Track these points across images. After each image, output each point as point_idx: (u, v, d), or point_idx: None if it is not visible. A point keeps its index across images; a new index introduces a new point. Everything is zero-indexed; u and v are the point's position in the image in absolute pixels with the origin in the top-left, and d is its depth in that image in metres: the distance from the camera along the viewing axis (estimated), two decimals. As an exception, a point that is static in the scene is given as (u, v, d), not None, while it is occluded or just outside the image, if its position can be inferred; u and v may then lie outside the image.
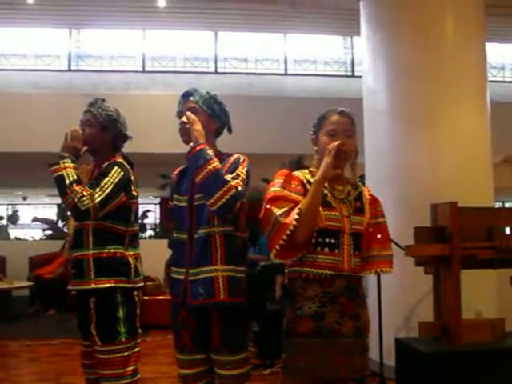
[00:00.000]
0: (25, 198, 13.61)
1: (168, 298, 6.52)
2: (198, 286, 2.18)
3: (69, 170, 2.41)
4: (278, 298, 5.06)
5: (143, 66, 10.35)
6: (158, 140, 8.06)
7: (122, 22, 9.95)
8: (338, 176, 2.22)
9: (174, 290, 2.30)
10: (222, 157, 2.31)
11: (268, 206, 2.06)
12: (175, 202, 2.35)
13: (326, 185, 2.16)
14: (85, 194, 2.34)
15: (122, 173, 2.51)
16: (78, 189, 2.35)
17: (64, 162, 2.43)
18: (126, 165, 2.59)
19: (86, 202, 2.33)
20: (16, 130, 8.70)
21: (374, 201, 2.28)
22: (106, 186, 2.41)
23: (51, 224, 11.14)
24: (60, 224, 11.01)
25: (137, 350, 2.53)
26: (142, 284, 2.60)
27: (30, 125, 8.75)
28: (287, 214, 2.01)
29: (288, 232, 1.99)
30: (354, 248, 2.15)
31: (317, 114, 2.29)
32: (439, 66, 4.21)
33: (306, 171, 2.25)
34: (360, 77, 9.91)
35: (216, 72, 10.32)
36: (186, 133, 2.28)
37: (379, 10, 4.57)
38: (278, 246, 2.02)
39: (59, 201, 9.44)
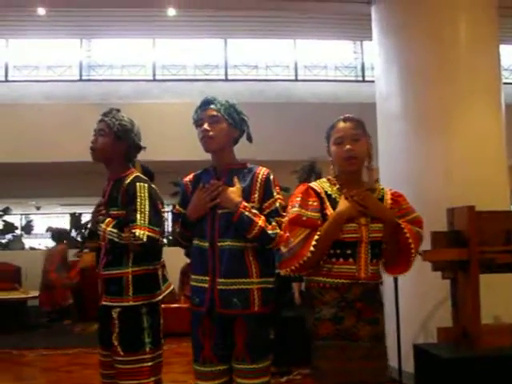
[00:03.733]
0: (38, 208, 13.69)
1: (183, 306, 6.55)
2: (230, 295, 2.20)
3: (107, 230, 2.45)
4: (297, 303, 5.05)
5: (154, 75, 10.39)
6: (170, 148, 8.08)
7: (132, 31, 10.00)
8: (356, 181, 2.22)
9: (196, 298, 2.30)
10: (241, 168, 2.35)
11: (287, 232, 2.12)
12: None
13: (344, 193, 2.17)
14: (133, 231, 2.38)
15: (146, 184, 2.53)
16: (127, 234, 2.40)
17: (100, 230, 2.47)
18: (142, 176, 2.60)
19: (140, 235, 2.37)
20: (29, 140, 8.76)
21: (397, 201, 2.27)
22: (142, 207, 2.44)
23: (65, 233, 11.21)
24: (73, 233, 11.07)
25: (160, 360, 2.54)
26: (168, 290, 2.62)
27: (42, 135, 8.81)
28: (304, 242, 2.08)
29: (301, 262, 2.08)
30: (372, 256, 2.15)
31: (328, 119, 2.31)
32: (452, 69, 4.19)
33: (325, 180, 2.28)
34: (371, 81, 9.97)
35: (226, 79, 10.34)
36: (208, 141, 2.31)
37: (391, 14, 4.56)
38: (288, 269, 2.13)
39: (72, 210, 9.50)
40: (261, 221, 2.20)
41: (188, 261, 7.64)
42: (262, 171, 2.33)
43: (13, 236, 11.17)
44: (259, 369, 2.21)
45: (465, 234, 3.34)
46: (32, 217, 14.25)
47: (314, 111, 8.79)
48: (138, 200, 2.45)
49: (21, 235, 11.62)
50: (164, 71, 10.47)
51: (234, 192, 2.24)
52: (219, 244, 2.24)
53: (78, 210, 11.83)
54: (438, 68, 4.20)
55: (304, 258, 2.05)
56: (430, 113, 4.21)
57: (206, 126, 2.31)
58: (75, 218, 11.25)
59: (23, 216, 14.98)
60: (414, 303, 4.12)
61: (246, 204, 2.22)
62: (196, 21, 9.59)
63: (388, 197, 2.26)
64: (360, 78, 10.67)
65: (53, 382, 4.78)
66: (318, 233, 2.08)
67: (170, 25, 9.71)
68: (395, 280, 3.76)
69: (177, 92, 9.89)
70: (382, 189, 2.30)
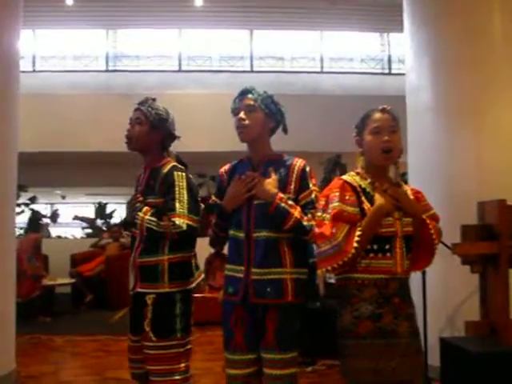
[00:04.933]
0: (64, 197, 13.87)
1: (207, 295, 6.60)
2: (264, 285, 2.23)
3: (146, 218, 2.47)
4: (322, 296, 5.05)
5: (179, 66, 10.44)
6: (194, 139, 8.12)
7: (158, 21, 10.06)
8: (384, 175, 2.22)
9: (230, 287, 2.32)
10: (277, 159, 2.37)
11: (332, 228, 2.06)
12: None
13: (378, 186, 2.16)
14: (173, 219, 2.42)
15: (184, 174, 2.56)
16: (166, 222, 2.43)
17: (138, 218, 2.49)
18: (180, 166, 2.63)
19: (180, 224, 2.41)
20: (55, 130, 8.89)
21: (417, 198, 2.27)
22: (181, 196, 2.48)
23: (91, 222, 11.36)
24: (99, 222, 11.21)
25: (189, 346, 2.57)
26: (200, 278, 2.64)
27: (68, 125, 8.94)
28: (347, 238, 2.04)
29: (345, 259, 2.03)
30: (406, 250, 2.15)
31: (353, 112, 2.29)
32: (486, 61, 4.11)
33: (354, 174, 2.25)
34: (397, 74, 9.93)
35: (252, 71, 10.35)
36: (243, 130, 2.33)
37: (423, 5, 4.49)
38: (329, 268, 2.07)
39: (97, 199, 9.60)
40: (297, 212, 2.22)
41: (212, 251, 7.70)
42: (299, 162, 2.34)
43: (40, 224, 11.32)
44: (287, 359, 2.23)
45: (495, 227, 3.32)
46: (57, 206, 14.45)
47: (339, 103, 8.78)
48: (177, 189, 2.48)
49: (48, 224, 11.79)
50: (190, 62, 10.52)
51: (270, 183, 2.25)
52: (255, 235, 2.26)
53: (102, 199, 11.96)
54: (471, 60, 4.14)
55: (349, 254, 2.01)
56: (462, 105, 4.15)
57: (241, 114, 2.33)
58: (101, 208, 11.39)
59: (49, 205, 15.20)
60: (441, 297, 4.10)
61: (282, 195, 2.24)
62: (222, 11, 9.62)
63: (409, 193, 2.26)
64: (386, 71, 10.60)
65: (82, 367, 4.87)
66: (359, 228, 2.05)
67: (196, 15, 9.76)
68: (423, 273, 3.74)
69: (202, 83, 9.94)
70: (403, 185, 2.30)
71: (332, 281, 6.02)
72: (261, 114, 2.35)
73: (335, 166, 7.98)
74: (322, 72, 10.48)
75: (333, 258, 2.05)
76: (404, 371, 2.09)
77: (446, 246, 3.33)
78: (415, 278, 3.87)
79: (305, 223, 2.20)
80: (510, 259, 3.28)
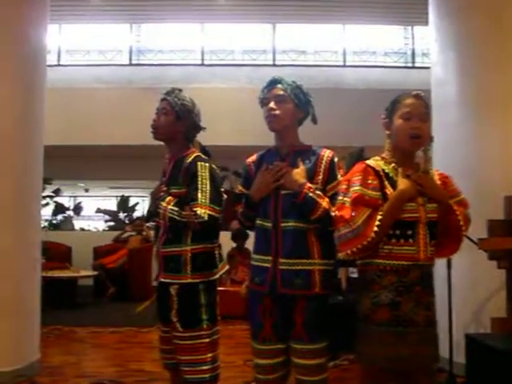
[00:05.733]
0: (87, 190, 14.02)
1: (229, 289, 6.61)
2: (292, 275, 2.22)
3: (168, 208, 2.48)
4: (344, 290, 5.03)
5: (202, 60, 10.46)
6: (219, 132, 8.13)
7: (181, 16, 10.09)
8: (410, 161, 2.19)
9: (257, 277, 2.31)
10: (306, 150, 2.36)
11: (352, 211, 2.05)
12: None
13: (401, 171, 2.14)
14: (195, 209, 2.42)
15: (207, 164, 2.55)
16: (187, 212, 2.44)
17: (161, 208, 2.50)
18: (203, 156, 2.63)
19: (201, 214, 2.41)
20: (79, 123, 8.99)
21: (446, 182, 2.24)
22: (204, 186, 2.47)
23: (113, 215, 11.45)
24: (121, 215, 11.29)
25: (216, 336, 2.57)
26: (224, 269, 2.65)
27: (92, 118, 9.02)
28: (367, 222, 2.02)
29: (365, 243, 2.02)
30: (430, 237, 2.13)
31: (376, 106, 2.27)
32: (513, 54, 4.06)
33: (378, 158, 2.24)
34: (421, 68, 9.82)
35: (274, 64, 10.32)
36: (273, 120, 2.32)
37: (449, -4, 4.44)
38: (349, 251, 2.06)
39: (120, 193, 9.65)
40: (325, 202, 2.21)
41: (234, 245, 7.74)
42: (327, 153, 2.33)
43: (63, 217, 11.48)
44: (316, 349, 2.23)
45: (523, 223, 3.27)
46: (80, 199, 14.62)
47: (362, 97, 8.72)
48: (199, 179, 2.48)
49: (71, 216, 11.93)
50: (212, 56, 10.53)
51: (299, 173, 2.24)
52: (282, 225, 2.25)
53: (125, 193, 12.06)
54: (498, 53, 4.07)
55: (368, 238, 2.00)
56: (489, 99, 4.08)
57: (271, 104, 2.32)
58: (123, 201, 11.47)
59: (72, 198, 15.38)
60: (467, 292, 4.04)
61: (310, 185, 2.23)
62: (244, 5, 9.60)
63: (436, 178, 2.23)
64: (410, 65, 10.49)
65: (105, 358, 4.91)
66: (381, 212, 2.03)
67: (219, 9, 9.76)
68: (448, 268, 3.70)
69: (225, 77, 9.95)
70: (431, 170, 2.26)
71: (354, 275, 6.00)
72: (290, 104, 2.34)
73: (358, 159, 7.90)
74: (344, 66, 10.42)
75: (351, 242, 2.04)
76: (418, 360, 2.10)
77: (472, 241, 3.29)
78: (440, 273, 3.83)
79: (333, 214, 2.18)
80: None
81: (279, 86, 2.35)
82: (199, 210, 2.41)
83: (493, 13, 4.13)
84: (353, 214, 2.04)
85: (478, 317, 3.98)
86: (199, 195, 2.44)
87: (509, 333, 3.31)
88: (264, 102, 2.38)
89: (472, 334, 3.56)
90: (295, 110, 2.36)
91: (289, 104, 2.34)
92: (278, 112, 2.31)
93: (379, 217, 2.02)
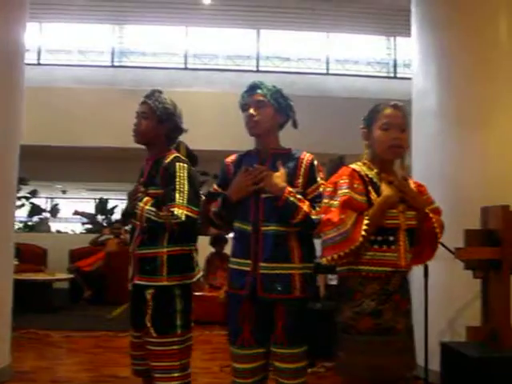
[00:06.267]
0: (64, 192, 13.87)
1: (207, 294, 6.57)
2: (272, 280, 2.22)
3: (146, 209, 2.45)
4: (322, 297, 5.03)
5: (185, 63, 10.42)
6: (199, 137, 8.08)
7: (164, 18, 10.06)
8: (390, 169, 2.20)
9: (236, 281, 2.30)
10: (286, 153, 2.36)
11: (340, 214, 2.03)
12: None
13: (384, 177, 2.15)
14: (172, 210, 2.39)
15: (186, 165, 2.54)
16: (164, 213, 2.40)
17: (138, 208, 2.47)
18: (182, 157, 2.61)
19: (179, 214, 2.38)
20: (58, 123, 8.88)
21: (420, 191, 2.26)
22: (182, 186, 2.45)
23: (91, 218, 11.33)
24: (99, 218, 11.18)
25: (189, 343, 2.55)
26: (199, 275, 2.62)
27: (72, 119, 8.93)
28: (355, 225, 2.01)
29: (353, 247, 2.00)
30: (409, 243, 2.14)
31: (358, 115, 2.27)
32: (493, 66, 4.10)
33: (361, 163, 2.23)
34: (402, 78, 9.91)
35: (258, 70, 10.33)
36: (253, 126, 2.32)
37: (432, 9, 4.46)
38: (335, 256, 2.03)
39: (98, 195, 9.56)
40: (305, 206, 2.20)
41: (213, 250, 7.68)
42: (307, 156, 2.33)
43: (39, 219, 11.33)
44: (296, 353, 2.23)
45: (498, 233, 3.31)
46: (58, 200, 14.44)
47: (344, 105, 8.76)
48: (178, 179, 2.46)
49: (47, 218, 11.78)
50: (196, 60, 10.51)
51: (279, 177, 2.23)
52: (263, 228, 2.24)
53: (103, 195, 11.94)
54: (478, 66, 4.11)
55: (356, 242, 1.98)
56: (468, 111, 4.13)
57: (251, 111, 2.32)
58: (102, 203, 11.36)
59: (49, 199, 15.20)
60: (443, 301, 4.07)
61: (290, 189, 2.22)
62: (229, 10, 9.61)
63: (412, 186, 2.24)
64: (392, 75, 10.59)
65: (78, 363, 4.83)
66: (367, 217, 2.02)
67: (204, 13, 9.76)
68: (425, 276, 3.72)
69: (208, 81, 9.93)
70: (408, 178, 2.29)
71: (333, 282, 6.01)
72: (270, 109, 2.34)
73: (338, 167, 7.92)
74: (327, 74, 10.47)
75: (339, 246, 2.01)
76: (399, 368, 2.10)
77: (448, 250, 3.31)
78: (417, 281, 3.85)
79: (313, 217, 2.17)
80: (513, 266, 3.26)
81: (259, 91, 2.35)
82: (176, 211, 2.38)
83: (474, 26, 4.19)
84: (342, 216, 2.01)
85: (454, 325, 4.01)
86: (177, 196, 2.42)
87: (483, 341, 3.33)
88: (244, 108, 2.37)
89: (447, 342, 3.59)
90: (275, 114, 2.36)
91: (269, 109, 2.33)
92: (257, 118, 2.31)
93: (366, 221, 2.01)
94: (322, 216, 2.09)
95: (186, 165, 2.53)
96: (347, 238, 2.00)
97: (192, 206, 2.43)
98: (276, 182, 2.21)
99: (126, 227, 7.84)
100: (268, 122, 2.34)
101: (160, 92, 2.66)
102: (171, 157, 2.57)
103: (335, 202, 2.06)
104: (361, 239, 1.99)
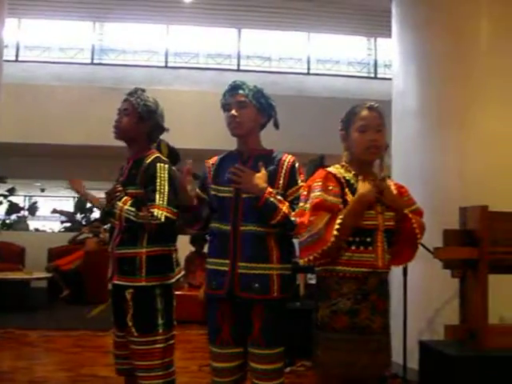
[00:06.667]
0: (43, 190, 13.71)
1: (187, 293, 6.55)
2: (250, 280, 2.21)
3: (125, 208, 2.43)
4: (302, 296, 5.04)
5: (166, 62, 10.37)
6: (181, 135, 8.03)
7: (145, 16, 10.00)
8: (368, 171, 2.22)
9: (214, 281, 2.29)
10: (267, 154, 2.36)
11: (310, 216, 2.05)
12: (213, 193, 2.35)
13: (361, 178, 2.16)
14: (152, 210, 2.38)
15: (167, 165, 2.52)
16: (144, 213, 2.39)
17: (117, 207, 2.45)
18: (163, 157, 2.60)
19: (158, 215, 2.37)
20: (37, 121, 8.78)
21: (401, 192, 2.28)
22: (162, 187, 2.44)
23: (70, 216, 11.22)
24: (78, 216, 11.08)
25: (172, 342, 2.54)
26: (180, 275, 2.60)
27: (51, 117, 8.83)
28: (327, 227, 2.01)
29: (325, 248, 2.01)
30: (387, 244, 2.15)
31: (338, 115, 2.29)
32: (472, 67, 4.15)
33: (339, 166, 2.25)
34: (383, 78, 9.99)
35: (239, 70, 10.32)
36: (235, 126, 2.32)
37: (412, 10, 4.51)
38: (311, 257, 2.04)
39: (76, 194, 9.42)
40: (285, 207, 2.21)
41: (193, 249, 7.65)
42: (288, 158, 2.33)
43: (17, 217, 11.19)
44: (273, 354, 2.22)
45: (476, 233, 3.33)
46: (36, 199, 14.28)
47: (324, 105, 8.79)
48: (158, 180, 2.44)
49: (25, 216, 11.64)
50: (176, 58, 10.46)
51: (260, 177, 2.22)
52: (242, 228, 2.24)
53: (82, 193, 11.79)
54: (458, 66, 4.16)
55: (328, 243, 1.99)
56: (447, 110, 4.18)
57: (233, 111, 2.31)
58: (81, 202, 11.25)
59: (27, 197, 15.02)
60: (422, 300, 4.12)
61: (271, 190, 2.22)
62: (211, 9, 9.58)
63: (393, 187, 2.26)
64: (372, 75, 10.66)
65: (57, 363, 4.78)
66: (340, 216, 2.03)
67: (185, 12, 9.72)
68: (404, 276, 3.75)
69: (188, 80, 9.89)
70: (388, 179, 2.30)
71: (312, 281, 6.04)
72: (252, 109, 2.34)
73: (318, 167, 7.95)
74: (308, 74, 10.50)
75: (312, 247, 2.03)
76: (375, 367, 2.12)
77: (427, 249, 3.34)
78: (396, 280, 3.89)
79: (293, 218, 2.17)
80: (490, 265, 3.30)
81: (241, 91, 2.34)
82: (156, 212, 2.37)
83: (454, 27, 4.24)
84: (311, 218, 2.03)
85: (432, 324, 4.06)
86: (157, 196, 2.41)
87: (461, 340, 3.37)
88: (226, 108, 2.37)
89: (425, 341, 3.61)
90: (257, 114, 2.36)
91: (250, 109, 2.33)
92: (239, 119, 2.31)
93: (339, 220, 2.02)
94: (297, 219, 2.11)
95: (166, 165, 2.52)
96: (319, 239, 2.01)
97: (171, 208, 2.42)
98: (257, 182, 2.21)
99: (105, 226, 7.77)
100: (250, 123, 2.33)
101: (143, 90, 2.66)
102: (152, 157, 2.56)
103: (308, 205, 2.09)
104: (332, 239, 1.99)
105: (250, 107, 2.33)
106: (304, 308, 4.74)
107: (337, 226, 2.01)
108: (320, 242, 2.01)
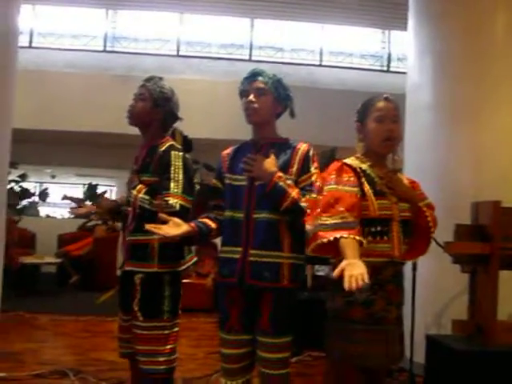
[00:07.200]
0: (53, 177, 13.77)
1: (194, 282, 6.58)
2: (261, 267, 2.21)
3: (139, 197, 2.45)
4: (309, 287, 5.06)
5: (178, 50, 10.35)
6: (191, 124, 8.05)
7: (159, 4, 9.97)
8: (382, 163, 2.23)
9: (225, 269, 2.30)
10: (282, 142, 2.36)
11: (322, 208, 2.04)
12: (228, 182, 2.36)
13: (376, 171, 2.17)
14: (166, 199, 2.39)
15: (181, 153, 2.53)
16: (159, 201, 2.39)
17: (132, 196, 2.47)
18: (177, 145, 2.60)
19: (173, 204, 2.38)
20: (49, 107, 8.79)
21: (413, 187, 2.29)
22: (177, 176, 2.45)
23: (80, 203, 11.27)
24: (88, 203, 11.11)
25: (176, 329, 2.56)
26: (191, 262, 2.62)
27: (62, 103, 8.84)
28: (331, 227, 1.97)
29: (319, 242, 1.97)
30: (404, 235, 2.15)
31: (350, 107, 2.30)
32: (489, 62, 4.12)
33: (354, 158, 2.26)
34: (396, 72, 9.91)
35: (250, 60, 10.27)
36: (252, 112, 2.31)
37: (429, 3, 4.48)
38: (309, 250, 2.06)
39: (87, 181, 9.54)
40: (294, 192, 2.19)
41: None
42: (303, 146, 2.33)
43: (29, 202, 11.25)
44: (281, 343, 2.23)
45: (488, 228, 3.32)
46: (47, 185, 14.35)
47: (336, 98, 8.76)
48: (172, 168, 2.45)
49: (36, 202, 11.70)
50: (188, 47, 10.43)
51: (269, 162, 2.21)
52: (255, 216, 2.24)
53: (92, 180, 11.86)
54: (474, 60, 4.13)
55: (323, 240, 1.95)
56: (462, 105, 4.16)
57: (251, 97, 2.31)
58: (91, 189, 11.31)
59: (38, 184, 15.09)
60: (430, 294, 4.12)
61: (281, 174, 2.21)
62: (224, -2, 9.55)
63: (405, 181, 2.29)
64: (385, 68, 10.58)
65: (65, 347, 4.85)
66: (345, 236, 1.92)
67: (198, 1, 9.69)
68: (414, 270, 3.75)
69: (200, 69, 9.87)
70: (400, 173, 2.32)
71: (320, 273, 6.05)
72: (270, 97, 2.34)
73: (330, 160, 7.95)
74: (320, 65, 10.44)
75: (311, 239, 2.02)
76: (389, 358, 2.13)
77: (438, 244, 3.33)
78: (405, 273, 3.88)
79: (303, 204, 2.17)
80: (501, 261, 3.29)
81: (260, 78, 2.34)
82: (171, 200, 2.38)
83: (471, 21, 4.20)
84: (318, 210, 2.04)
85: (440, 319, 4.06)
86: (172, 185, 2.42)
87: (469, 335, 3.37)
88: (244, 94, 2.36)
89: (433, 335, 3.63)
90: (274, 103, 2.35)
91: (268, 97, 2.33)
92: (256, 105, 2.30)
93: (343, 240, 1.92)
94: (308, 210, 2.12)
95: (180, 153, 2.53)
96: (315, 234, 1.99)
97: (186, 196, 2.43)
98: (266, 167, 2.19)
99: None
100: (267, 111, 2.34)
101: (160, 78, 2.67)
102: (166, 144, 2.57)
103: (320, 197, 2.10)
104: (324, 241, 1.94)
105: (268, 95, 2.33)
106: (311, 299, 4.76)
107: (338, 235, 1.93)
108: (315, 236, 2.00)
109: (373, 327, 2.09)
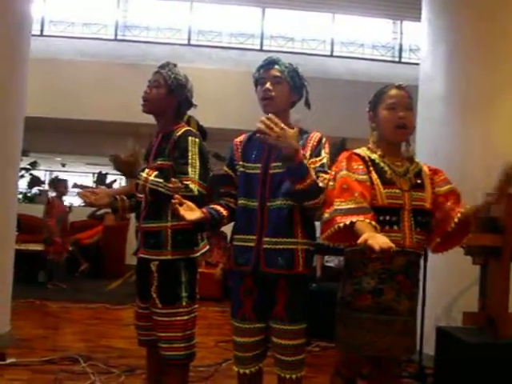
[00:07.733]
0: (63, 165, 13.82)
1: (204, 271, 6.59)
2: (275, 255, 2.20)
3: (150, 179, 2.39)
4: (318, 278, 5.06)
5: (189, 39, 10.32)
6: (201, 114, 8.04)
7: (170, -7, 9.95)
8: (396, 152, 2.22)
9: (240, 257, 2.29)
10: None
11: (336, 195, 2.05)
12: (241, 169, 2.34)
13: (386, 160, 2.17)
14: (186, 182, 2.36)
15: (197, 139, 2.52)
16: (175, 184, 2.35)
17: (141, 178, 2.42)
18: (194, 130, 2.60)
19: (192, 188, 2.36)
20: (60, 96, 8.81)
21: (436, 172, 2.30)
22: (194, 161, 2.43)
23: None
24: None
25: (194, 315, 2.57)
26: (205, 249, 2.61)
27: (74, 92, 8.85)
28: (346, 212, 1.98)
29: (336, 227, 1.99)
30: (416, 224, 2.13)
31: (361, 98, 2.28)
32: (504, 52, 4.07)
33: (365, 148, 2.26)
34: (407, 63, 9.84)
35: (261, 49, 10.23)
36: (268, 102, 2.28)
37: (443, -8, 4.44)
38: (324, 236, 2.06)
39: (97, 169, 9.54)
40: (313, 173, 2.13)
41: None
42: (316, 134, 2.32)
43: (39, 190, 11.30)
44: (296, 330, 2.24)
45: (501, 220, 3.31)
46: (56, 174, 14.40)
47: (347, 88, 8.72)
48: (190, 154, 2.44)
49: (47, 190, 11.75)
50: (199, 36, 10.40)
51: (293, 137, 2.02)
52: (269, 204, 2.23)
53: (102, 169, 11.88)
54: (488, 51, 4.09)
55: (340, 225, 1.97)
56: (475, 96, 4.11)
57: (268, 85, 2.29)
58: (100, 177, 11.34)
59: (48, 172, 15.15)
60: (440, 286, 4.11)
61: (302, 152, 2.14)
62: (235, -13, 9.50)
63: (425, 168, 2.28)
64: (397, 59, 10.51)
65: (75, 333, 4.89)
66: (361, 219, 1.93)
67: (209, -10, 9.66)
68: (425, 261, 3.74)
69: (211, 58, 9.84)
70: (419, 162, 2.31)
71: (330, 264, 6.05)
72: (286, 86, 2.32)
73: (340, 150, 7.92)
74: (331, 56, 10.38)
75: (326, 225, 2.04)
76: (398, 349, 2.12)
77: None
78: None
79: (321, 184, 2.12)
80: (513, 253, 3.28)
81: (276, 67, 2.32)
82: (191, 184, 2.37)
83: (487, 11, 4.15)
84: (335, 197, 2.05)
85: (450, 311, 4.05)
86: (190, 169, 2.41)
87: (479, 327, 3.36)
88: (260, 82, 2.34)
89: (443, 327, 3.61)
90: (290, 92, 2.34)
91: (284, 86, 2.31)
92: (273, 93, 2.28)
93: (360, 223, 1.93)
94: (324, 198, 2.11)
95: (197, 139, 2.51)
96: (332, 219, 2.01)
97: (202, 182, 2.43)
98: (291, 141, 2.01)
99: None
100: (283, 100, 2.31)
101: (174, 65, 2.66)
102: (183, 130, 2.55)
103: (332, 184, 2.10)
104: (341, 225, 1.96)
105: (284, 83, 2.31)
106: (320, 290, 4.76)
107: (354, 219, 1.94)
108: (332, 221, 2.02)
109: (380, 317, 2.09)
